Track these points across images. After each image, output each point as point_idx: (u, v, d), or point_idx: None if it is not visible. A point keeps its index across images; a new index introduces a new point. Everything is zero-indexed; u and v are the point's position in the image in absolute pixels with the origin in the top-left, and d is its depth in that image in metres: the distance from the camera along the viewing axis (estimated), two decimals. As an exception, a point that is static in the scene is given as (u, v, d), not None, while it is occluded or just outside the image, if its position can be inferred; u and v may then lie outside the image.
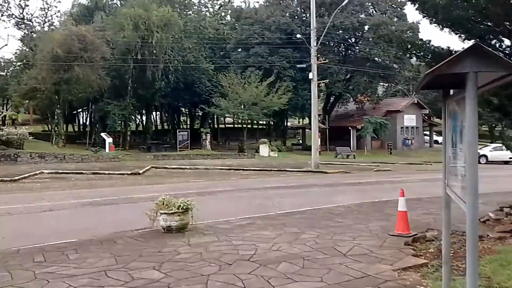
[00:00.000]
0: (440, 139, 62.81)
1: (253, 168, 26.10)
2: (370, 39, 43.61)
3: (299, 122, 78.29)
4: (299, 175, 24.45)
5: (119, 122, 36.86)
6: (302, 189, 17.05)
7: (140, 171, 22.85)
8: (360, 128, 46.64)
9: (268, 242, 8.00)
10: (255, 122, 48.09)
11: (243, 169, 25.61)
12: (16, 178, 19.88)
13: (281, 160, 32.59)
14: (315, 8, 43.70)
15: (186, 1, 44.49)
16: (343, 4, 29.06)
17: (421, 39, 10.44)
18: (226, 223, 10.02)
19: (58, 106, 32.19)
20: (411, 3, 9.33)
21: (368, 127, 42.10)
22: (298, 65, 33.55)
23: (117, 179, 21.01)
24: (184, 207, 9.01)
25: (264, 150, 35.25)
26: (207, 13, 49.26)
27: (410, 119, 51.51)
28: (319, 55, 26.73)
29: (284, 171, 25.44)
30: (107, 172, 22.57)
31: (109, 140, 30.99)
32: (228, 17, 53.54)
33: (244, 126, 41.30)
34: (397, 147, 48.16)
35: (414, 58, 12.14)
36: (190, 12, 44.63)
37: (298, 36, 32.06)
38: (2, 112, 53.30)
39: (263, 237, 8.35)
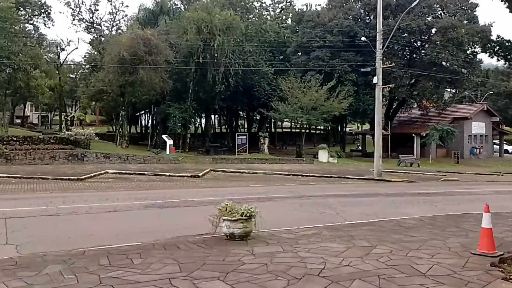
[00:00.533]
0: (510, 148, 58.96)
1: (312, 174, 25.49)
2: (438, 42, 41.71)
3: (357, 127, 76.57)
4: (360, 183, 23.57)
5: (180, 124, 37.50)
6: (366, 198, 16.28)
7: (200, 174, 22.95)
8: (424, 135, 44.66)
9: (337, 255, 7.49)
10: (312, 127, 47.31)
11: (301, 175, 25.07)
12: (82, 177, 20.56)
13: (340, 166, 31.71)
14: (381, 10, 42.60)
15: (248, 5, 44.62)
16: (413, 5, 27.72)
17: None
18: (289, 232, 9.59)
19: (123, 108, 33.27)
20: (503, 2, 8.47)
21: (433, 134, 40.16)
22: (362, 69, 32.56)
23: (177, 181, 21.20)
24: (248, 214, 8.69)
25: (323, 155, 34.48)
26: (268, 17, 49.19)
27: (478, 127, 48.74)
28: (384, 58, 25.61)
29: (345, 178, 24.64)
30: (167, 174, 22.87)
31: (169, 142, 31.54)
32: (289, 21, 53.21)
33: (302, 131, 40.71)
34: (464, 156, 45.68)
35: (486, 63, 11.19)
36: (252, 16, 44.71)
37: (363, 38, 31.03)
38: (71, 113, 56.22)
39: (331, 250, 7.84)
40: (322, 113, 36.34)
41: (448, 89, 48.72)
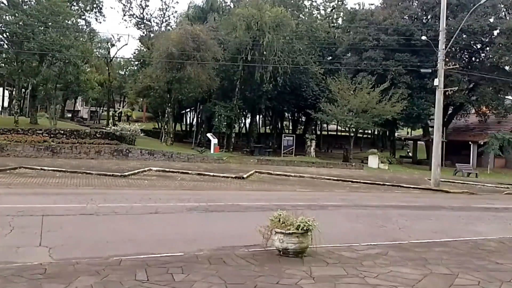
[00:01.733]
0: None
1: (363, 180, 23.97)
2: (501, 44, 38.87)
3: (407, 133, 73.49)
4: (416, 192, 21.85)
5: (225, 123, 36.78)
6: (428, 211, 14.75)
7: (244, 176, 22.00)
8: (482, 143, 41.85)
9: (414, 285, 6.24)
10: (360, 130, 45.27)
11: (351, 181, 23.61)
12: (126, 173, 20.08)
13: (392, 173, 29.90)
14: (439, 10, 40.22)
15: (299, 3, 43.34)
16: (482, 2, 25.54)
17: None
18: (350, 249, 8.40)
19: (169, 104, 32.90)
20: None
21: (493, 143, 37.40)
22: (422, 70, 30.52)
23: (221, 182, 20.34)
24: (305, 228, 7.58)
25: (373, 161, 32.73)
26: (318, 16, 47.74)
27: (542, 137, 45.10)
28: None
29: (399, 187, 22.96)
30: (211, 174, 22.06)
31: (214, 141, 30.82)
32: (340, 20, 51.53)
33: (351, 134, 39.02)
34: (524, 167, 42.43)
35: None
36: (302, 14, 43.41)
37: (423, 37, 29.09)
38: (119, 109, 56.96)
39: (405, 277, 6.59)
40: (373, 116, 34.53)
41: (510, 96, 45.33)
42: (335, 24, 50.65)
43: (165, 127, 33.83)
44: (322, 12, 50.09)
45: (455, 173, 34.12)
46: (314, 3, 48.61)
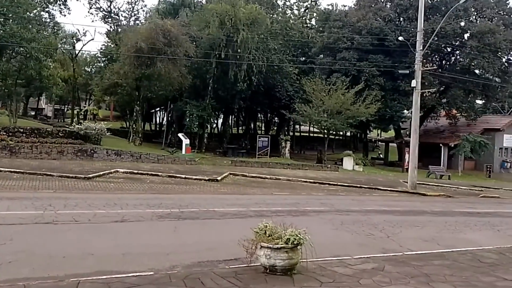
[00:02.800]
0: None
1: (340, 183, 23.32)
2: (473, 47, 39.17)
3: (377, 135, 73.92)
4: (394, 195, 21.35)
5: (197, 123, 35.57)
6: (412, 216, 14.10)
7: (218, 178, 20.94)
8: (453, 146, 42.16)
9: (424, 311, 5.40)
10: (331, 132, 44.74)
11: (329, 184, 22.92)
12: (90, 176, 18.70)
13: (367, 175, 29.46)
14: (413, 12, 40.22)
15: (274, 0, 42.49)
16: (461, 2, 25.32)
17: None
18: (343, 264, 7.53)
19: (138, 103, 31.37)
20: None
21: (465, 146, 37.61)
22: (400, 71, 30.19)
23: (194, 184, 19.22)
24: (295, 242, 6.63)
25: (348, 163, 32.22)
26: (292, 15, 47.06)
27: (510, 140, 45.96)
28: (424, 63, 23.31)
29: (376, 189, 22.43)
30: (183, 176, 20.90)
31: (186, 141, 29.55)
32: (313, 21, 51.06)
33: (325, 136, 38.45)
34: (493, 169, 42.97)
35: None
36: (276, 13, 42.58)
37: (401, 38, 28.71)
38: (85, 107, 54.73)
39: (412, 300, 5.75)
40: (347, 117, 34.05)
41: (479, 99, 45.91)
42: (309, 25, 50.16)
43: (134, 126, 32.29)
44: (296, 12, 49.46)
45: (428, 175, 34.07)
46: (288, 3, 47.94)
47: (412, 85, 23.28)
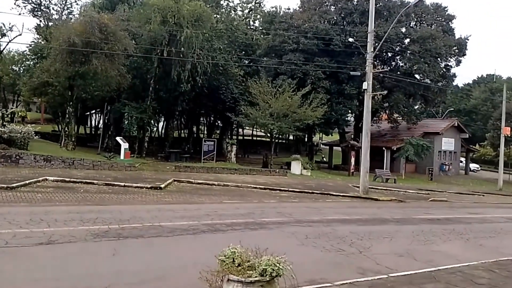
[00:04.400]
0: (473, 166, 58.58)
1: (291, 189, 22.24)
2: (410, 53, 39.95)
3: (318, 138, 74.36)
4: (347, 201, 20.58)
5: (136, 126, 33.28)
6: (377, 226, 13.19)
7: (162, 185, 19.11)
8: (395, 149, 42.81)
9: None
10: (278, 136, 44.03)
11: (280, 189, 21.77)
12: (14, 185, 16.21)
13: (317, 180, 28.72)
14: (357, 16, 40.39)
15: (218, -1, 41.12)
16: (412, 4, 25.22)
17: None
18: (325, 294, 6.22)
19: (71, 104, 28.59)
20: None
21: (408, 149, 38.12)
22: (351, 73, 29.74)
23: (135, 193, 17.27)
24: (273, 273, 5.24)
25: (296, 167, 31.36)
26: (236, 17, 45.88)
27: (448, 143, 47.62)
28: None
29: (329, 195, 21.57)
30: (122, 184, 18.86)
31: (125, 145, 27.25)
32: (257, 23, 50.28)
33: (272, 139, 37.49)
34: (433, 172, 44.14)
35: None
36: (221, 12, 41.16)
37: (350, 40, 28.50)
38: (11, 108, 50.13)
39: None
40: (294, 120, 33.26)
41: (419, 103, 47.06)
42: (253, 27, 49.30)
43: (66, 129, 29.48)
44: (240, 13, 48.41)
45: (375, 179, 34.04)
46: (231, 3, 46.72)
47: (363, 88, 22.72)
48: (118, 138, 28.58)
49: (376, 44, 24.71)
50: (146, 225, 10.71)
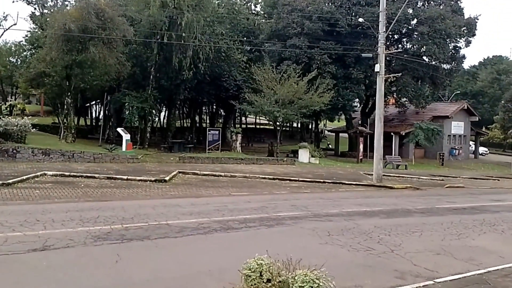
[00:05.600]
0: (482, 150, 57.46)
1: (301, 178, 21.27)
2: (419, 34, 38.56)
3: (323, 125, 73.17)
4: (361, 190, 19.61)
5: (137, 116, 32.20)
6: (400, 218, 12.19)
7: (166, 178, 18.14)
8: (403, 134, 41.69)
9: None
10: (280, 123, 42.74)
11: (289, 179, 20.79)
12: (10, 181, 15.27)
13: (326, 168, 27.72)
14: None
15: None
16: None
17: None
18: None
19: (69, 94, 27.50)
20: None
21: (418, 134, 36.99)
22: (363, 54, 28.46)
23: (139, 187, 16.31)
24: (312, 292, 4.25)
25: (304, 155, 30.32)
26: (237, 0, 44.45)
27: (458, 127, 46.43)
28: (388, 46, 21.56)
29: (341, 184, 20.58)
30: (125, 177, 17.90)
31: (126, 136, 26.21)
32: (259, 7, 48.88)
33: (277, 127, 36.39)
34: (444, 157, 43.06)
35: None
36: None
37: (361, 20, 27.14)
38: (9, 101, 49.10)
39: None
40: (300, 107, 32.12)
41: (427, 86, 45.72)
42: (254, 11, 47.95)
43: (65, 121, 28.46)
44: (242, -3, 46.97)
45: (385, 165, 32.97)
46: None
47: (376, 70, 21.62)
48: (119, 129, 27.55)
49: (388, 24, 23.43)
50: (152, 224, 9.73)
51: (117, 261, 7.05)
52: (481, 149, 57.06)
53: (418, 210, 13.49)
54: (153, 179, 17.86)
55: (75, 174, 17.97)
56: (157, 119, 47.25)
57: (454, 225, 11.15)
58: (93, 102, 48.40)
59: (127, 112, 31.21)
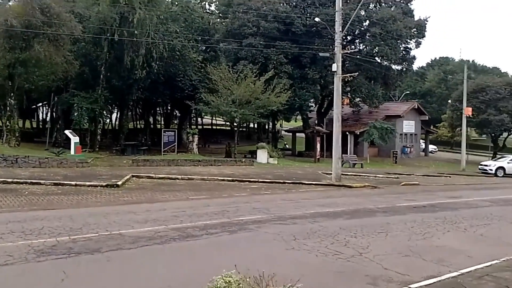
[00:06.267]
0: (431, 147, 59.37)
1: (261, 179, 20.85)
2: (371, 35, 39.19)
3: (279, 125, 73.28)
4: (322, 190, 19.41)
5: (87, 118, 30.67)
6: (364, 218, 11.97)
7: (119, 182, 17.16)
8: (358, 133, 42.29)
9: None
10: (241, 124, 42.39)
11: (249, 181, 20.31)
12: None
13: (285, 168, 27.46)
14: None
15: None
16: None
17: None
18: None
19: (12, 95, 25.75)
20: None
21: (373, 133, 37.54)
22: (320, 54, 28.37)
23: (88, 193, 15.28)
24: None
25: (262, 156, 29.95)
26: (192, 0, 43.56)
27: (409, 126, 47.71)
28: (343, 47, 21.49)
29: (301, 184, 20.32)
30: (73, 182, 16.79)
31: (75, 139, 24.82)
32: (213, 7, 48.16)
33: (234, 128, 35.86)
34: (397, 155, 44.03)
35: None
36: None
37: (317, 19, 27.06)
38: None
39: None
40: (257, 107, 31.78)
41: (379, 87, 46.62)
42: (209, 10, 47.20)
43: (8, 124, 26.62)
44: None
45: (342, 164, 33.06)
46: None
47: (333, 69, 21.47)
48: (67, 132, 26.08)
49: (344, 24, 23.43)
50: (103, 234, 8.93)
51: (63, 280, 6.26)
52: (431, 147, 58.96)
53: (380, 209, 13.35)
54: (104, 184, 16.85)
55: (18, 180, 16.70)
56: (108, 120, 45.41)
57: (417, 224, 11.02)
58: (40, 104, 45.92)
59: (76, 114, 29.62)
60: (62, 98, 30.94)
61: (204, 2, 45.90)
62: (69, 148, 24.84)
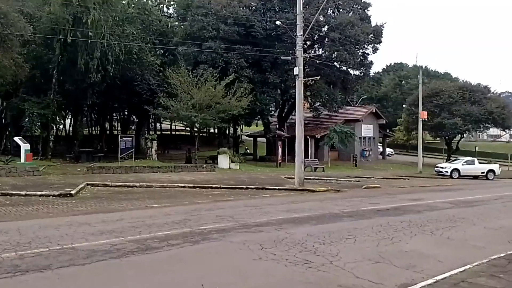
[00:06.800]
0: (388, 150, 60.74)
1: (223, 185, 20.38)
2: (330, 40, 39.59)
3: (240, 130, 72.93)
4: (285, 195, 19.14)
5: (39, 124, 29.22)
6: (330, 223, 11.72)
7: (73, 192, 16.22)
8: (319, 137, 42.59)
9: None
10: (201, 129, 41.73)
11: (211, 187, 19.78)
12: None
13: (247, 174, 27.10)
14: (278, 2, 39.30)
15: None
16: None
17: None
18: None
19: (-45, 100, 24.21)
20: None
21: (333, 137, 37.86)
22: (282, 57, 28.18)
23: (39, 204, 14.31)
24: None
25: (224, 161, 29.47)
26: (148, 1, 42.56)
27: (368, 129, 48.56)
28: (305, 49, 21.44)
29: (264, 189, 20.02)
30: (23, 192, 15.74)
31: (25, 146, 23.46)
32: (171, 10, 47.38)
33: (194, 133, 35.20)
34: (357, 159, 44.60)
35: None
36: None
37: (278, 23, 26.85)
38: None
39: None
40: (218, 112, 31.35)
41: (339, 91, 47.25)
42: (167, 13, 46.38)
43: (-49, 131, 24.92)
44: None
45: (304, 168, 33.10)
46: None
47: (295, 73, 21.35)
48: (16, 139, 24.63)
49: (306, 27, 23.40)
50: (54, 249, 8.18)
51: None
52: (388, 150, 60.35)
53: (345, 214, 13.17)
54: (57, 193, 15.89)
55: (-40, 191, 15.45)
56: (61, 126, 43.66)
57: (384, 228, 10.88)
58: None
59: (26, 120, 28.15)
60: (11, 103, 29.34)
61: (162, 5, 45.02)
62: (19, 156, 23.45)
